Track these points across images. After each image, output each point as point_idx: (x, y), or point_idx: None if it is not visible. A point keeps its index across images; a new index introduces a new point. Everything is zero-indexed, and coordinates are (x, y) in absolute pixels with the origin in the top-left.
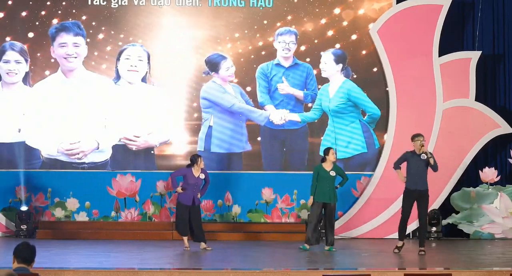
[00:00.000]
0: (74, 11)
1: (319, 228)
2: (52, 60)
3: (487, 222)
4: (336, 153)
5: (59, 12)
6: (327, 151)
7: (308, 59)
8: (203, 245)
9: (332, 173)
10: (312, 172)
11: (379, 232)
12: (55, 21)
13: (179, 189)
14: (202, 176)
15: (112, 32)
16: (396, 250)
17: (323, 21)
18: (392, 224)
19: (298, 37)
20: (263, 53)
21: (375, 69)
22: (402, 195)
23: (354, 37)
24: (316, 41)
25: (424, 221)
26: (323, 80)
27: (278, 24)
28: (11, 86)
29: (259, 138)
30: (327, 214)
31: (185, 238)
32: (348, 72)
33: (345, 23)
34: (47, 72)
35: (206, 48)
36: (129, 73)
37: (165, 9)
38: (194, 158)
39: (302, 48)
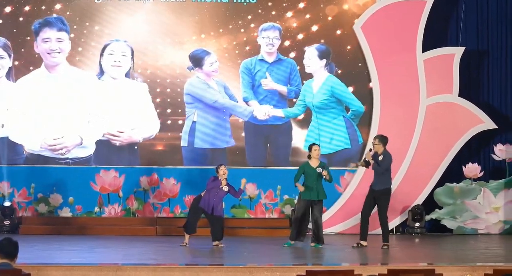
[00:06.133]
0: (57, 5)
1: (306, 226)
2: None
3: (470, 218)
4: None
5: (43, 7)
6: (310, 147)
7: (292, 55)
8: (215, 242)
9: (319, 170)
10: (296, 167)
11: None
12: (37, 15)
13: (224, 181)
14: (226, 188)
15: (96, 27)
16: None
17: (307, 16)
18: (376, 219)
19: (282, 32)
20: (247, 48)
21: (359, 65)
22: (390, 194)
23: (338, 32)
24: (300, 36)
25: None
26: (307, 76)
27: (262, 19)
28: None
29: (242, 134)
30: (315, 212)
31: (188, 236)
32: (332, 68)
33: (329, 19)
34: (29, 67)
35: (190, 43)
36: (112, 69)
37: (149, 4)
38: (216, 168)
39: (286, 43)
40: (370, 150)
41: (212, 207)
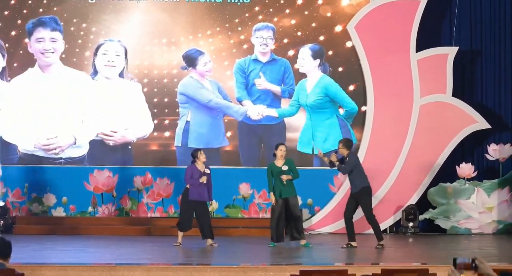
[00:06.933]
0: (51, 5)
1: (284, 225)
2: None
3: (464, 218)
4: (314, 149)
5: (32, 4)
6: (277, 146)
7: (282, 54)
8: (209, 241)
9: (284, 168)
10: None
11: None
12: (29, 14)
13: (203, 179)
14: (208, 170)
15: (89, 27)
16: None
17: (301, 16)
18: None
19: (275, 32)
20: (240, 48)
21: (352, 65)
22: (370, 192)
23: (331, 32)
24: (293, 36)
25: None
26: (301, 76)
27: (256, 19)
28: None
29: (234, 134)
30: (292, 209)
31: (181, 234)
32: (325, 68)
33: (322, 19)
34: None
35: (184, 43)
36: (106, 68)
37: (142, 4)
38: (193, 153)
39: (280, 43)
40: (336, 152)
41: (199, 193)
